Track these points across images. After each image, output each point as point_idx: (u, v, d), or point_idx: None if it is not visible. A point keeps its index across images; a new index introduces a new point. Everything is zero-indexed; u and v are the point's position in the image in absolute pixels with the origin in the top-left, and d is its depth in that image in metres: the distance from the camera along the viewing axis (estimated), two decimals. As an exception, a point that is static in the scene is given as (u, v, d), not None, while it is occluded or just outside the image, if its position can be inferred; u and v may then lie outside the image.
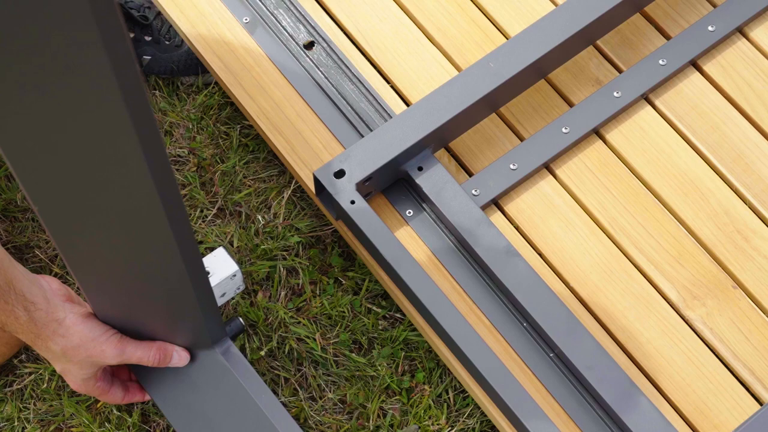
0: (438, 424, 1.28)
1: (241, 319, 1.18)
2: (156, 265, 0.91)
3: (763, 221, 1.28)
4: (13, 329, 1.01)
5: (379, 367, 1.31)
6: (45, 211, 0.82)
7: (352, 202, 1.22)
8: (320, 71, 1.37)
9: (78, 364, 1.04)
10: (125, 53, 0.62)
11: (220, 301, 1.17)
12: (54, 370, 1.30)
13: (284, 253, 1.37)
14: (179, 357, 1.10)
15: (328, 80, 1.36)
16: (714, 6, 1.41)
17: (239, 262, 1.34)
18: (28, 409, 1.29)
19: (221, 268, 1.18)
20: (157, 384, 1.13)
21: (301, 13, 1.40)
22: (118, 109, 0.66)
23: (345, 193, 1.23)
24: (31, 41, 0.60)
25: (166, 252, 0.87)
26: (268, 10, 1.41)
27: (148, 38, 1.46)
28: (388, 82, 1.37)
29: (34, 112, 0.68)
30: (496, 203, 1.29)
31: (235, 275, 1.17)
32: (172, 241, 0.84)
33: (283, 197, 1.41)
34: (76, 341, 1.02)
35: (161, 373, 1.13)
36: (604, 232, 1.28)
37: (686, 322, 1.23)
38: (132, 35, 1.42)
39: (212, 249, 1.32)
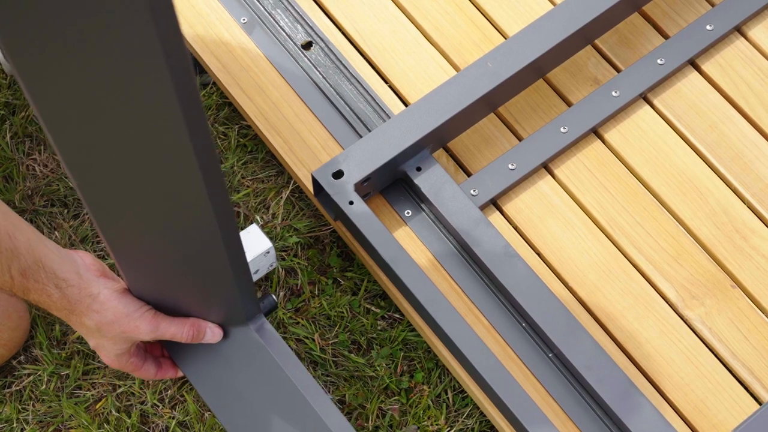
0: (437, 425, 1.28)
1: (274, 296, 1.18)
2: (194, 241, 0.91)
3: (761, 220, 1.28)
4: (47, 306, 1.01)
5: (377, 368, 1.31)
6: (84, 186, 0.81)
7: (351, 203, 1.22)
8: (318, 71, 1.37)
9: (112, 339, 1.04)
10: (173, 24, 0.62)
11: (253, 278, 1.16)
12: (52, 371, 1.30)
13: (283, 253, 1.37)
14: (212, 333, 1.10)
15: (326, 80, 1.36)
16: (712, 5, 1.40)
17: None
18: (27, 411, 1.29)
19: (255, 244, 1.19)
20: (189, 360, 1.13)
21: (299, 13, 1.40)
22: (163, 78, 0.66)
23: (343, 193, 1.23)
24: (79, 8, 0.60)
25: (205, 227, 0.87)
26: (265, 10, 1.41)
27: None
28: (386, 82, 1.37)
29: (78, 83, 0.67)
30: (495, 203, 1.29)
31: (268, 252, 1.18)
32: (212, 215, 0.84)
33: (281, 198, 1.41)
34: (110, 317, 1.02)
35: (194, 350, 1.13)
36: (603, 232, 1.28)
37: (685, 321, 1.23)
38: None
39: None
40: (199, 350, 1.12)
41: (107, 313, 1.01)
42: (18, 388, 1.30)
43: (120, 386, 1.30)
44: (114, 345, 1.05)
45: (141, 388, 1.30)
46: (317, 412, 1.08)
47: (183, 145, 0.73)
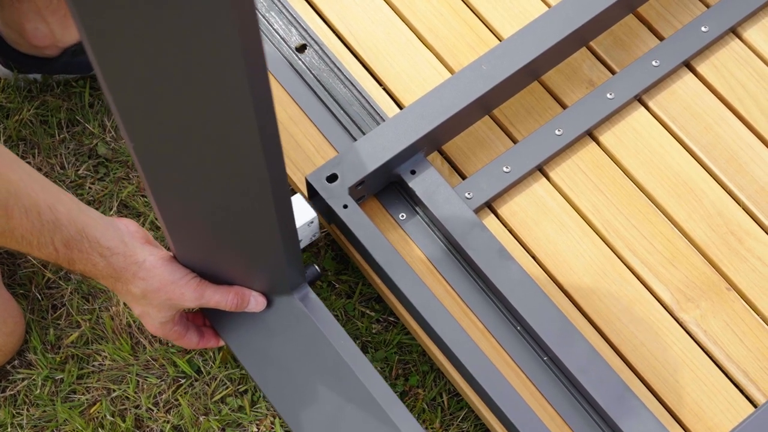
0: (432, 428, 1.28)
1: (316, 267, 1.18)
2: (246, 205, 0.91)
3: (756, 222, 1.28)
4: (93, 275, 1.02)
5: (373, 371, 1.30)
6: (140, 149, 0.81)
7: (345, 207, 1.22)
8: (312, 74, 1.36)
9: (157, 306, 1.05)
10: None
11: None
12: (46, 376, 1.30)
13: (277, 256, 1.37)
14: (256, 302, 1.10)
15: (321, 83, 1.36)
16: (707, 6, 1.40)
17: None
18: (22, 415, 1.29)
19: (299, 214, 1.19)
20: (232, 329, 1.12)
21: (293, 15, 1.40)
22: (230, 37, 0.65)
23: (338, 197, 1.22)
24: None
25: (259, 194, 0.87)
26: (259, 13, 1.40)
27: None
28: (380, 85, 1.37)
29: (141, 39, 0.67)
30: (490, 206, 1.29)
31: (312, 222, 1.18)
32: (267, 181, 0.84)
33: (276, 200, 1.41)
34: (156, 284, 1.02)
35: (236, 319, 1.12)
36: (598, 235, 1.28)
37: (680, 324, 1.23)
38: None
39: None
40: (242, 319, 1.12)
41: (153, 280, 1.02)
42: (12, 392, 1.30)
43: (114, 390, 1.30)
44: (159, 312, 1.05)
45: (135, 392, 1.30)
46: (361, 381, 1.08)
47: (244, 99, 0.73)
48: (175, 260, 1.04)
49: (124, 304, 1.33)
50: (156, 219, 1.36)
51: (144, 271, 1.02)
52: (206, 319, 1.14)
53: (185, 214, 0.95)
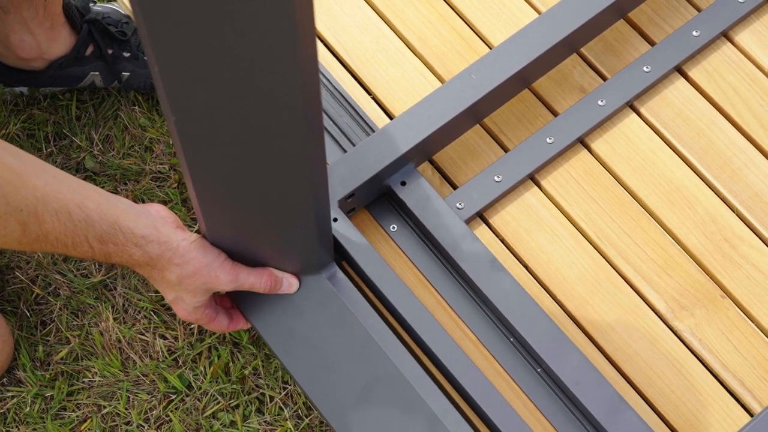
0: (426, 441, 1.26)
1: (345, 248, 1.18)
2: (283, 184, 0.91)
3: (750, 228, 1.27)
4: (131, 265, 1.02)
5: (365, 384, 1.29)
6: (181, 122, 0.81)
7: (335, 220, 1.21)
8: (301, 85, 1.35)
9: (192, 291, 1.05)
10: None
11: None
12: (36, 393, 1.29)
13: (268, 269, 1.36)
14: (289, 284, 1.10)
15: (309, 94, 1.34)
16: (698, 11, 1.39)
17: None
18: (12, 433, 1.28)
19: None
20: (259, 311, 1.12)
21: (280, 25, 1.39)
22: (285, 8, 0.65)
23: (327, 210, 1.21)
24: None
25: (299, 170, 0.86)
26: (247, 23, 1.39)
27: (126, 54, 1.44)
28: (369, 94, 1.36)
29: (191, 12, 0.66)
30: (481, 216, 1.28)
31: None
32: (308, 158, 0.83)
33: (266, 212, 1.39)
34: (191, 268, 1.02)
35: (263, 300, 1.12)
36: (591, 243, 1.26)
37: (675, 333, 1.22)
38: (110, 51, 1.41)
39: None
40: (269, 300, 1.11)
41: (188, 265, 1.02)
42: (2, 411, 1.29)
43: (105, 407, 1.28)
44: (193, 297, 1.05)
45: (126, 409, 1.28)
46: (391, 360, 1.08)
47: (293, 80, 0.72)
48: (206, 242, 1.04)
49: (114, 319, 1.31)
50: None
51: (179, 257, 1.02)
52: (232, 301, 1.14)
53: (221, 192, 0.94)
